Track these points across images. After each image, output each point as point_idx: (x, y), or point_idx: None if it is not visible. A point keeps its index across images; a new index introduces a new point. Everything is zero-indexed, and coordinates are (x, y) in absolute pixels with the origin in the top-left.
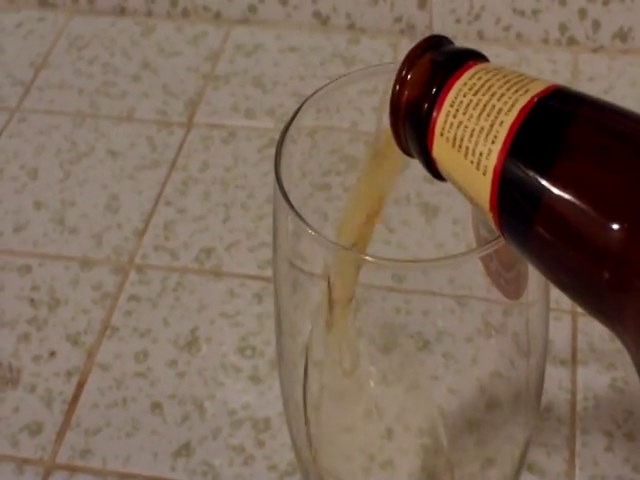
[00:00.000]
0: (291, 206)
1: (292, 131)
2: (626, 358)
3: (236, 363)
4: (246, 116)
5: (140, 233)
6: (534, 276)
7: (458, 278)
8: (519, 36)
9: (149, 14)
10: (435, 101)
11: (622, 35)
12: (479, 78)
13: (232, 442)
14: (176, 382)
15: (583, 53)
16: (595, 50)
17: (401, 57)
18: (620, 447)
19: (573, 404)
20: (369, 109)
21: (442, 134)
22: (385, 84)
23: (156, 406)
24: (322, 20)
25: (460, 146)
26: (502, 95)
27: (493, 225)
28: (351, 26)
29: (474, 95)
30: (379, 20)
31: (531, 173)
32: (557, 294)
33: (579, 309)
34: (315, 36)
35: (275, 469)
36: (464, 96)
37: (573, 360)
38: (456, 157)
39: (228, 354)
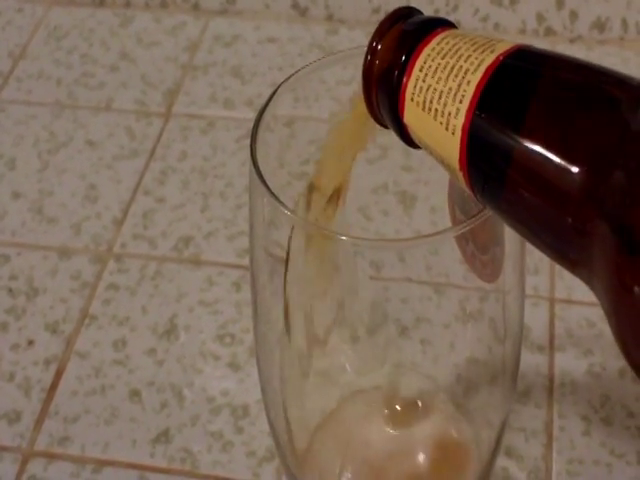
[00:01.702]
0: (267, 187)
1: (269, 119)
2: (603, 343)
3: (215, 351)
4: (225, 106)
5: (119, 222)
6: (510, 262)
7: (435, 265)
8: (497, 26)
9: (128, 5)
10: (405, 67)
11: (600, 25)
12: (447, 42)
13: (211, 428)
14: (155, 370)
15: (561, 43)
16: (572, 40)
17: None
18: (597, 431)
19: (551, 389)
20: (347, 99)
21: (412, 99)
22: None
23: (135, 394)
24: (301, 11)
25: (430, 109)
26: (469, 56)
27: (464, 185)
28: (330, 17)
29: (442, 59)
30: (357, 11)
31: (497, 128)
32: (535, 281)
33: (557, 295)
34: (294, 27)
35: (254, 455)
36: (432, 60)
37: (551, 346)
38: (427, 120)
39: (207, 342)
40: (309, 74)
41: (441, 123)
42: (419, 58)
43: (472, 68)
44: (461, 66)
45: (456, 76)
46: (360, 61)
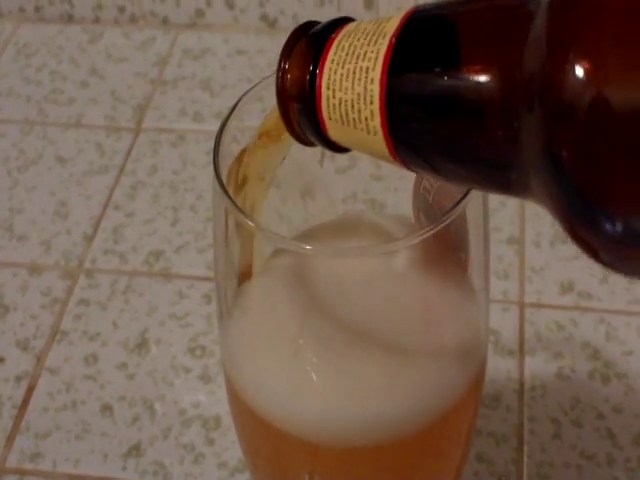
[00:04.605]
0: (229, 197)
1: (234, 131)
2: (573, 346)
3: (186, 363)
4: (194, 120)
5: (89, 238)
6: (475, 267)
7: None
8: None
9: (97, 21)
10: (314, 91)
11: None
12: (342, 48)
13: (182, 441)
14: (126, 384)
15: None
16: None
17: None
18: (567, 434)
19: (521, 393)
20: None
21: (330, 118)
22: None
23: (106, 408)
24: (269, 23)
25: (348, 121)
26: (365, 53)
27: (402, 167)
28: None
29: (342, 67)
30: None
31: (410, 111)
32: (504, 286)
33: (526, 300)
34: (263, 39)
35: (225, 466)
36: (335, 73)
37: (520, 350)
38: (349, 132)
39: (178, 355)
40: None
41: (362, 130)
42: (324, 76)
43: (371, 65)
44: (361, 67)
45: (359, 79)
46: None
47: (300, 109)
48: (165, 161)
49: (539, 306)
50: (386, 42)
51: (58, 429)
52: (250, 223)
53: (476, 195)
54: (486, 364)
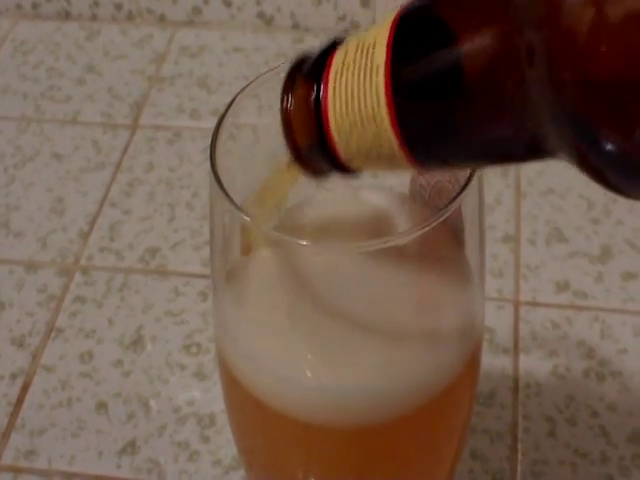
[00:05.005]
0: (225, 193)
1: (231, 128)
2: (567, 345)
3: (181, 360)
4: (191, 117)
5: (85, 235)
6: (472, 262)
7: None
8: None
9: (94, 18)
10: (325, 137)
11: None
12: (340, 84)
13: (177, 438)
14: (121, 381)
15: None
16: None
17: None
18: (562, 432)
19: (515, 391)
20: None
21: (347, 156)
22: None
23: (101, 405)
24: (266, 20)
25: (367, 154)
26: (365, 66)
27: (412, 166)
28: (295, 25)
29: (347, 106)
30: (323, 19)
31: (421, 120)
32: (499, 284)
33: (521, 298)
34: (259, 36)
35: (220, 464)
36: (341, 119)
37: (515, 348)
38: (368, 159)
39: (173, 352)
40: (271, 80)
41: (380, 157)
42: (330, 121)
43: (374, 64)
44: (365, 92)
45: (365, 106)
46: None
47: (316, 157)
48: (162, 158)
49: (534, 304)
50: (382, 59)
51: (53, 426)
52: (246, 218)
53: (472, 190)
54: (482, 344)
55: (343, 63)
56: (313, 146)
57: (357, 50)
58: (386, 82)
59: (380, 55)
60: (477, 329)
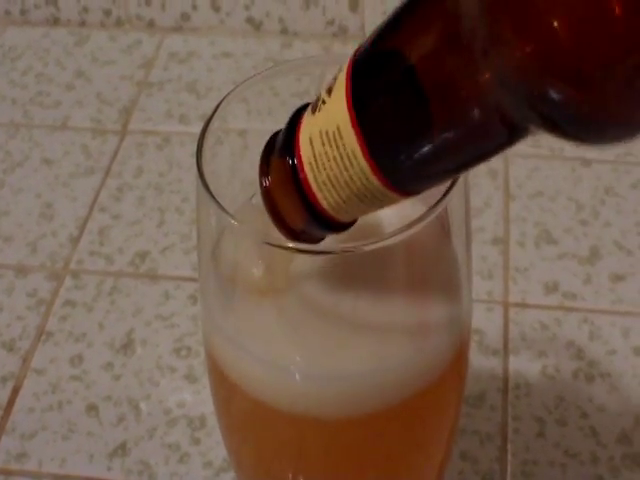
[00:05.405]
0: (212, 196)
1: (218, 132)
2: (557, 346)
3: (171, 363)
4: (180, 122)
5: (75, 239)
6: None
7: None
8: None
9: (83, 24)
10: (314, 209)
11: None
12: (314, 157)
13: (168, 440)
14: (112, 384)
15: None
16: None
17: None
18: (551, 432)
19: (505, 392)
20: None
21: (337, 212)
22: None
23: (92, 408)
24: (255, 25)
25: (360, 202)
26: (343, 163)
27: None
28: (284, 30)
29: (326, 170)
30: (311, 24)
31: (393, 146)
32: (489, 286)
33: (511, 299)
34: (248, 41)
35: (210, 466)
36: (323, 191)
37: (505, 350)
38: (356, 210)
39: (163, 355)
40: (258, 84)
41: (364, 202)
42: (316, 193)
43: (345, 150)
44: (341, 152)
45: (344, 167)
46: (311, 70)
47: (293, 199)
48: (151, 163)
49: (523, 306)
50: (346, 116)
51: (44, 429)
52: (234, 222)
53: (458, 191)
54: (469, 339)
55: (314, 155)
56: (305, 217)
57: (323, 140)
58: (371, 165)
59: (351, 138)
60: (464, 324)
